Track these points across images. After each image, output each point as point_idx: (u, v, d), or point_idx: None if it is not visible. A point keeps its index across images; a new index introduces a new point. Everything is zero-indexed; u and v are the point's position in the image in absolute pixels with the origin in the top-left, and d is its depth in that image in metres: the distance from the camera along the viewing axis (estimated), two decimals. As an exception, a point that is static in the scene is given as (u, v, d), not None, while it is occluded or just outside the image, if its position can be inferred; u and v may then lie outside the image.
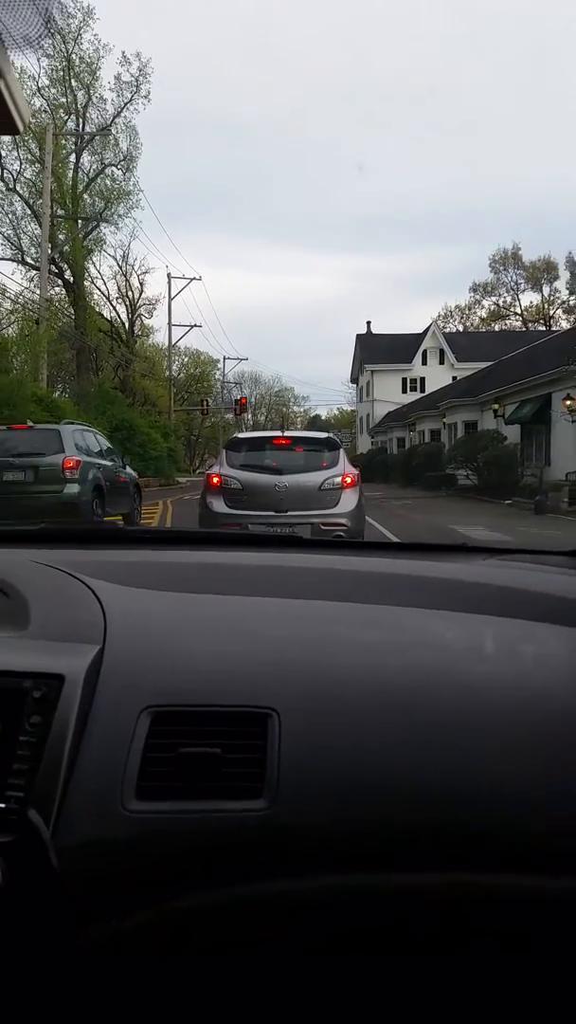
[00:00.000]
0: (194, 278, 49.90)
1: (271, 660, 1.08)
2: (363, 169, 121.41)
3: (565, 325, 51.59)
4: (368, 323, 56.35)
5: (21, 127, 0.79)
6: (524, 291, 60.93)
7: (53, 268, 32.37)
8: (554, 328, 50.94)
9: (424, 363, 50.82)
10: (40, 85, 31.97)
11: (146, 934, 0.92)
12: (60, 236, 32.80)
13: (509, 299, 61.82)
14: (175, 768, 0.96)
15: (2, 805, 0.91)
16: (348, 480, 8.19)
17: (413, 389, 49.50)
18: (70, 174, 33.63)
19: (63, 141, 32.77)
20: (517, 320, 60.99)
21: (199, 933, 0.94)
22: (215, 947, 0.95)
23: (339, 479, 8.16)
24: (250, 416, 73.60)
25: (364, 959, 0.98)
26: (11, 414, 19.77)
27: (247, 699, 1.01)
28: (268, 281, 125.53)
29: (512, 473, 23.93)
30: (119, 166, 34.21)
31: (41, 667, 1.01)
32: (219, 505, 8.14)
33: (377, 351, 52.39)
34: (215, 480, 8.32)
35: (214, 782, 0.95)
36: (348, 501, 8.09)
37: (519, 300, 61.45)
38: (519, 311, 61.40)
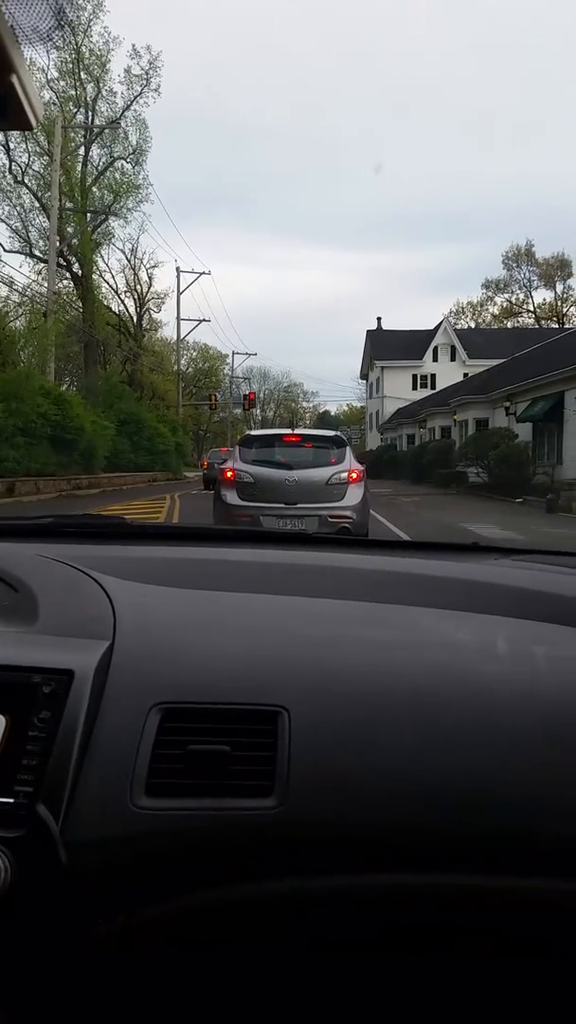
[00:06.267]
0: (203, 272, 48.55)
1: (281, 658, 1.08)
2: (379, 170, 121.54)
3: (577, 322, 51.39)
4: (379, 319, 56.31)
5: (35, 123, 0.78)
6: (537, 288, 60.74)
7: (61, 261, 32.29)
8: (567, 326, 50.77)
9: (435, 360, 50.66)
10: (49, 77, 31.95)
11: (153, 931, 0.92)
12: (68, 229, 32.78)
13: (522, 296, 61.62)
14: (185, 765, 0.95)
15: (11, 800, 0.91)
16: (354, 475, 8.65)
17: (424, 386, 49.39)
18: (79, 167, 33.53)
19: (72, 134, 32.65)
20: (530, 317, 60.75)
21: (207, 930, 0.94)
22: (223, 944, 0.95)
23: (345, 474, 8.61)
24: (259, 411, 73.67)
25: (373, 959, 0.97)
26: (19, 407, 19.88)
27: (257, 696, 1.00)
28: (278, 277, 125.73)
29: (523, 471, 23.82)
30: (128, 159, 34.13)
31: (50, 662, 1.00)
32: (232, 497, 8.56)
33: (388, 347, 52.25)
34: (229, 474, 8.75)
35: (224, 780, 0.95)
36: (354, 495, 8.55)
37: (532, 297, 61.28)
38: (532, 308, 61.16)
